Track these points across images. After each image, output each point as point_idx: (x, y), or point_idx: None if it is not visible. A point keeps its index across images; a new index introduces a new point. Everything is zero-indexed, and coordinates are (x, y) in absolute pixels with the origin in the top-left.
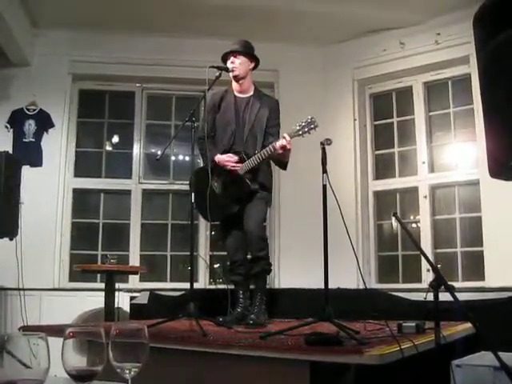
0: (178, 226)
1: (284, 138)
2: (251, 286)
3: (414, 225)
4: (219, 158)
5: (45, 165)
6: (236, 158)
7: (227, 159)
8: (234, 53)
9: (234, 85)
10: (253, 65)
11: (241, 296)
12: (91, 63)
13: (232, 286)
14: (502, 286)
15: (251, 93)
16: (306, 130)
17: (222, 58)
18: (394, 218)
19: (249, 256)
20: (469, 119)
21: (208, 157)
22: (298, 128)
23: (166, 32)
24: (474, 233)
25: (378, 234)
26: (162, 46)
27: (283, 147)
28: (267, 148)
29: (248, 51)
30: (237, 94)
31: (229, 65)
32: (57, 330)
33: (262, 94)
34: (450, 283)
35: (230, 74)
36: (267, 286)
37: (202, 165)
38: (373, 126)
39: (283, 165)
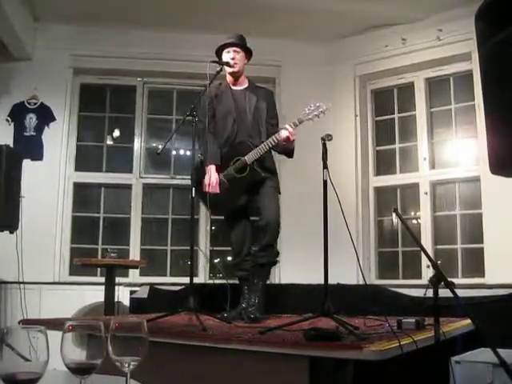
0: (178, 221)
1: (286, 129)
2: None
3: (414, 221)
4: (211, 176)
5: (45, 158)
6: (215, 180)
7: (207, 182)
8: (235, 46)
9: (229, 78)
10: (247, 59)
11: (246, 291)
12: (92, 57)
13: (232, 281)
14: (501, 283)
15: (246, 85)
16: (316, 113)
17: (219, 48)
18: (394, 214)
19: (254, 248)
20: (470, 116)
21: (209, 150)
22: (307, 112)
23: (168, 26)
24: (475, 229)
25: (378, 230)
26: (163, 41)
27: (287, 138)
28: (271, 138)
29: (247, 46)
30: (232, 87)
31: (227, 57)
32: (56, 324)
33: (256, 85)
34: (449, 280)
35: (228, 69)
36: (268, 282)
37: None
38: (374, 121)
39: (289, 153)
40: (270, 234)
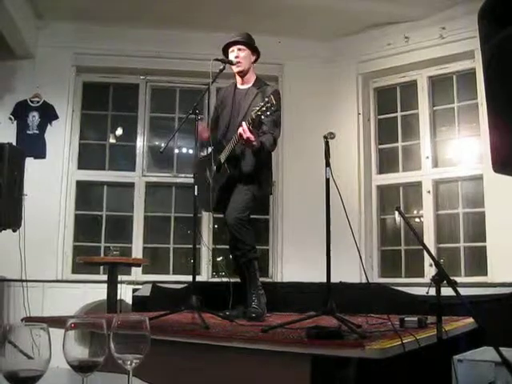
0: (181, 219)
1: (241, 126)
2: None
3: (417, 219)
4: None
5: (48, 157)
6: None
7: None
8: (239, 44)
9: (237, 78)
10: (254, 57)
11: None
12: (95, 55)
13: (234, 280)
14: (504, 282)
15: (251, 84)
16: (264, 109)
17: (223, 47)
18: (397, 213)
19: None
20: (473, 114)
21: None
22: (256, 109)
23: (171, 24)
24: (477, 228)
25: (380, 229)
26: (166, 39)
27: (240, 136)
28: (233, 137)
29: (252, 44)
30: (239, 85)
31: (231, 56)
32: (59, 322)
33: (263, 83)
34: (452, 278)
35: (234, 68)
36: (270, 280)
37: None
38: (377, 120)
39: (254, 152)
40: (233, 231)
